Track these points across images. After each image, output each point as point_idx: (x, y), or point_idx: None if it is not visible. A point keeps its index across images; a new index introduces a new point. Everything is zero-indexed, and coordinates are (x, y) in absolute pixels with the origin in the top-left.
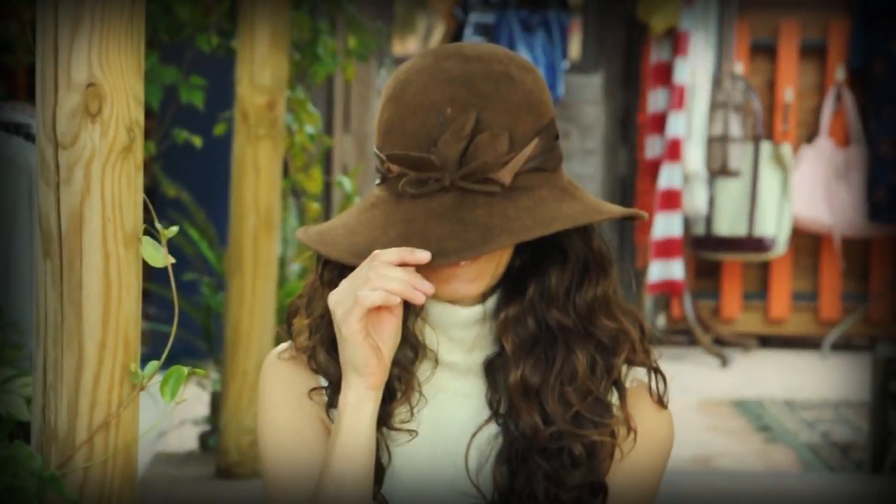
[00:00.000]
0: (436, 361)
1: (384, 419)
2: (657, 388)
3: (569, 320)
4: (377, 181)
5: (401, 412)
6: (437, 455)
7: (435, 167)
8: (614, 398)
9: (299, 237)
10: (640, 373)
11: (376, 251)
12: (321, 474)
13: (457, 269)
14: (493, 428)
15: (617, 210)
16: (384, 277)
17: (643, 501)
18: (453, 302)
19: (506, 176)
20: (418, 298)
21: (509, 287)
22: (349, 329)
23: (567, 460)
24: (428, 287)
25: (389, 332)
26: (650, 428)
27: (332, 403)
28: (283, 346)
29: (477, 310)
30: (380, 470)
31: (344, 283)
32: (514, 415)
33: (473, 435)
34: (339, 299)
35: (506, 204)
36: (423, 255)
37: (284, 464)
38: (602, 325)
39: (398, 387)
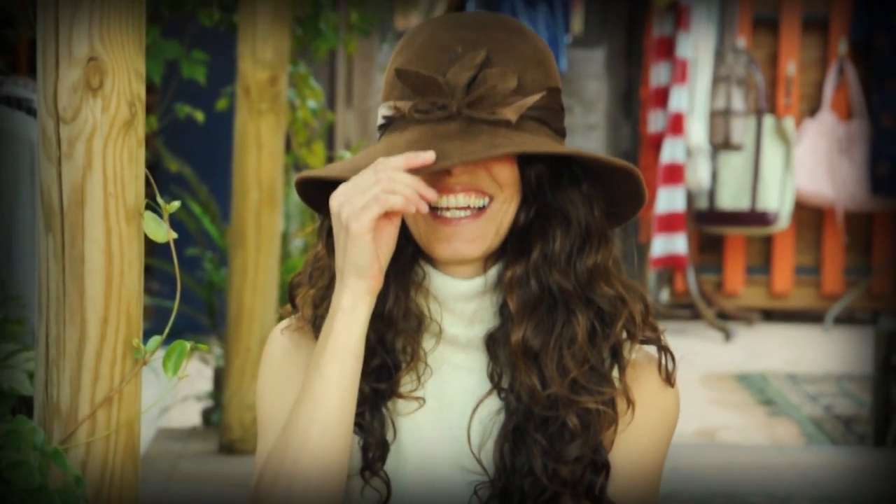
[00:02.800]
0: (438, 334)
1: (391, 389)
2: (666, 365)
3: (569, 284)
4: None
5: (407, 382)
6: (441, 429)
7: (442, 91)
8: (616, 372)
9: (298, 176)
10: (647, 348)
11: (380, 158)
12: (307, 376)
13: (458, 227)
14: (495, 403)
15: (620, 161)
16: (393, 180)
17: (647, 478)
18: (454, 266)
19: (511, 113)
20: (423, 207)
21: (515, 248)
22: (360, 227)
23: (563, 433)
24: (432, 194)
25: (388, 241)
26: (654, 404)
27: None
28: (287, 319)
29: (477, 282)
30: (384, 446)
31: (345, 186)
32: (514, 384)
33: (475, 408)
34: (344, 200)
35: (510, 133)
36: (428, 156)
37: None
38: (601, 292)
39: (403, 358)
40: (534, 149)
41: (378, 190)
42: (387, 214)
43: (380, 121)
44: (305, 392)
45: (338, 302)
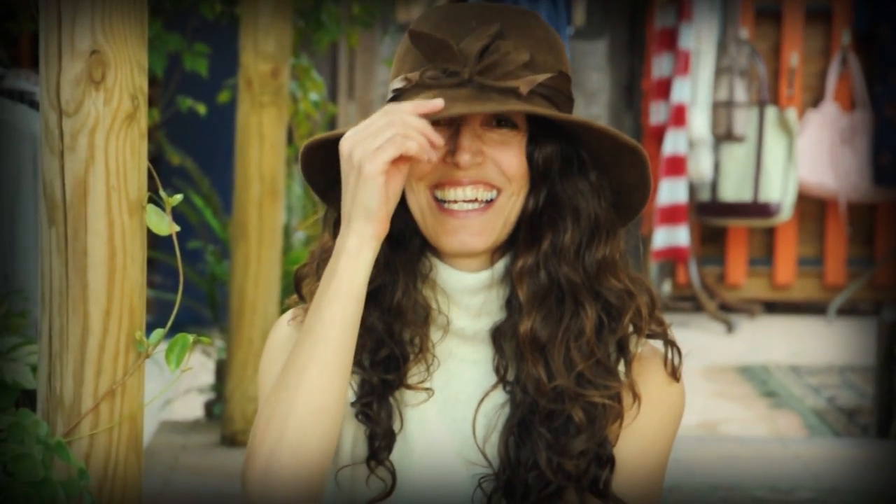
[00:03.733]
0: (445, 327)
1: (400, 379)
2: (672, 360)
3: (577, 277)
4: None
5: (415, 373)
6: (446, 422)
7: (455, 57)
8: (622, 366)
9: (305, 143)
10: (653, 342)
11: (389, 105)
12: (307, 319)
13: (465, 220)
14: (500, 397)
15: (628, 137)
16: (407, 125)
17: (651, 472)
18: (461, 259)
19: (523, 86)
20: (433, 155)
21: (525, 239)
22: (374, 168)
23: (569, 427)
24: (439, 140)
25: (395, 189)
26: (660, 398)
27: None
28: (293, 310)
29: (484, 276)
30: (390, 436)
31: (356, 129)
32: (520, 377)
33: (480, 401)
34: (355, 142)
35: (521, 104)
36: (437, 103)
37: None
38: (609, 286)
39: (411, 349)
40: (544, 113)
41: (393, 132)
42: (397, 161)
43: (389, 96)
44: (305, 334)
45: (342, 244)
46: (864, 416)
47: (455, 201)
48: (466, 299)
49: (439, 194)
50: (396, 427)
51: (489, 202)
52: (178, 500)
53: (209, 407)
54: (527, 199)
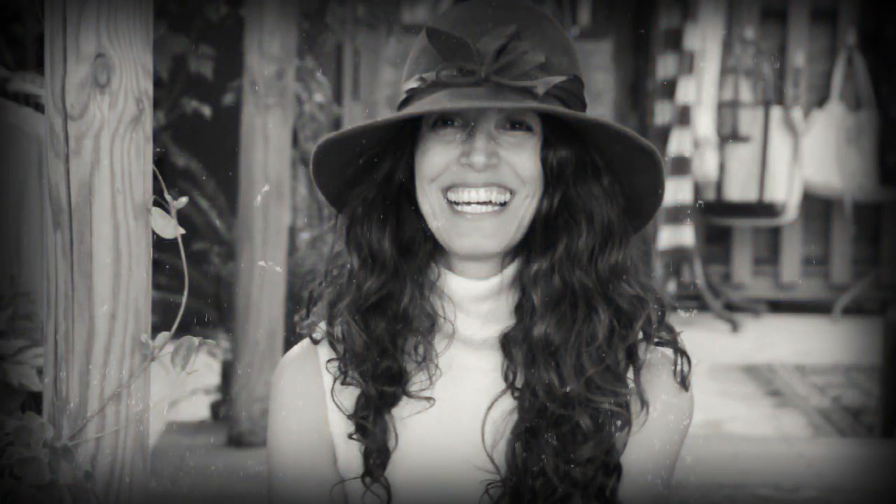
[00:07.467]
0: (451, 335)
1: (401, 389)
2: (681, 368)
3: (590, 282)
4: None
5: (416, 382)
6: (451, 430)
7: (471, 56)
8: (630, 373)
9: (319, 143)
10: (663, 350)
11: None
12: None
13: (479, 222)
14: (508, 403)
15: (644, 140)
16: None
17: (658, 479)
18: (470, 265)
19: (539, 86)
20: None
21: (540, 243)
22: None
23: (576, 434)
24: None
25: None
26: (669, 406)
27: (344, 379)
28: (296, 349)
29: (493, 282)
30: (385, 453)
31: None
32: (530, 382)
33: (489, 408)
34: None
35: (538, 103)
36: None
37: (293, 471)
38: (621, 291)
39: (414, 358)
40: (564, 112)
41: None
42: None
43: (402, 97)
44: None
45: None
46: (869, 415)
47: (468, 203)
48: (474, 307)
49: (452, 196)
50: (391, 444)
51: (503, 205)
52: (185, 501)
53: (215, 408)
54: (540, 203)
